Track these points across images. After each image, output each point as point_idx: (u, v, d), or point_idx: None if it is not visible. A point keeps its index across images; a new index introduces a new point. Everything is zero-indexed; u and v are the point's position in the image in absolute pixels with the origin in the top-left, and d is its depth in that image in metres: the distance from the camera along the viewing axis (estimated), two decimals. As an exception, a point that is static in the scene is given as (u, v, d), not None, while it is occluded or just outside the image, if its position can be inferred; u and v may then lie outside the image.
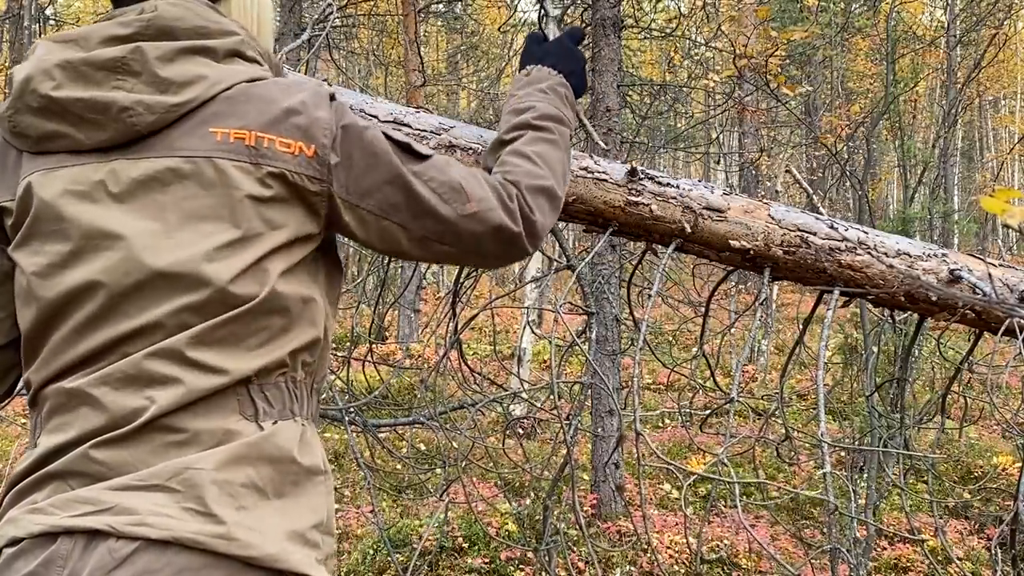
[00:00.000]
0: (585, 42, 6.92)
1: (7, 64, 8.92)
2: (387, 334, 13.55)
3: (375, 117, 1.73)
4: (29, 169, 1.03)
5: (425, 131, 1.73)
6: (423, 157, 1.13)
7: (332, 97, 1.08)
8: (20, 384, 1.14)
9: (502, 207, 1.15)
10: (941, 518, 6.09)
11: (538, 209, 1.19)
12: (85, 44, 1.03)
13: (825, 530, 5.58)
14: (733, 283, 11.72)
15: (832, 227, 1.68)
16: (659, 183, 1.69)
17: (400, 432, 7.50)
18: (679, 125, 11.86)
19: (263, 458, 0.99)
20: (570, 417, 1.86)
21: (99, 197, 1.01)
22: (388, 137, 1.12)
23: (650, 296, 1.84)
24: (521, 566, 5.36)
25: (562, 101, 1.35)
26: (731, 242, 1.66)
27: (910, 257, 1.66)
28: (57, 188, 1.01)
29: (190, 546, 0.92)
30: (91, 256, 1.00)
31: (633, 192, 1.68)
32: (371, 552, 5.42)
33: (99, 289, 0.99)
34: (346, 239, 1.19)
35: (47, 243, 1.02)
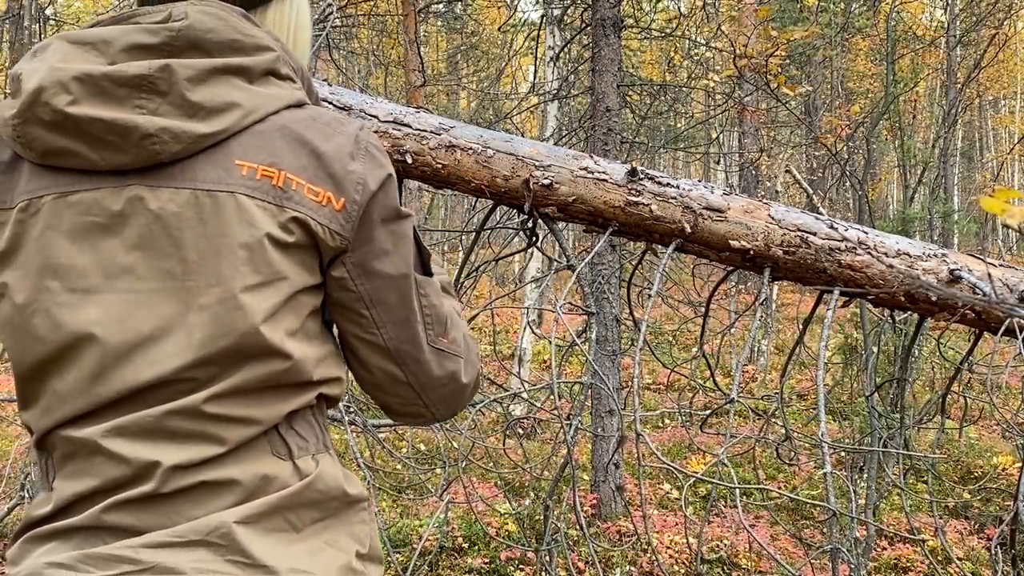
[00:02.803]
0: (585, 42, 6.92)
1: (7, 64, 8.91)
2: (387, 334, 13.52)
3: (375, 117, 1.73)
4: (36, 187, 0.93)
5: (425, 131, 1.74)
6: (429, 273, 1.06)
7: (370, 149, 0.98)
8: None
9: (466, 361, 1.10)
10: (941, 518, 6.09)
11: (472, 390, 1.14)
12: (106, 50, 0.92)
13: (825, 530, 5.58)
14: (733, 283, 11.72)
15: (832, 227, 1.68)
16: (659, 183, 1.69)
17: (400, 432, 7.50)
18: (679, 125, 11.85)
19: (307, 502, 0.95)
20: (570, 417, 1.86)
21: (117, 230, 0.91)
22: (415, 233, 1.04)
23: (650, 296, 1.85)
24: (521, 566, 5.36)
25: None
26: (731, 242, 1.67)
27: (910, 257, 1.66)
28: (72, 219, 0.92)
29: None
30: (106, 296, 0.91)
31: (633, 192, 1.68)
32: (371, 552, 5.42)
33: (113, 335, 0.91)
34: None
35: (53, 277, 0.92)
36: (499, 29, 10.55)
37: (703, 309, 2.01)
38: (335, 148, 0.95)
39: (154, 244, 0.91)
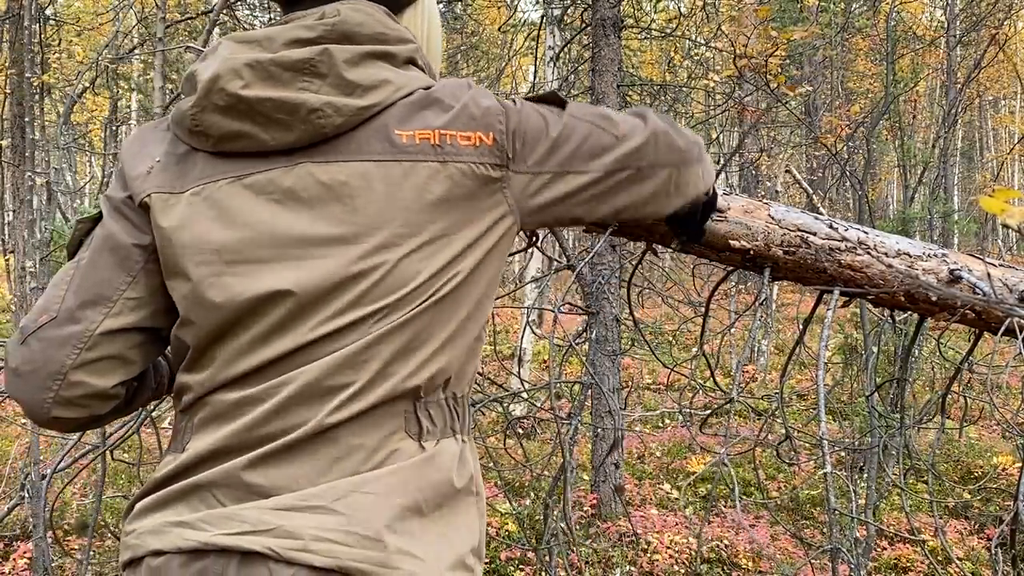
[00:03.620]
0: (585, 42, 6.91)
1: (7, 64, 8.90)
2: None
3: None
4: (211, 173, 1.01)
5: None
6: (565, 103, 1.13)
7: (484, 90, 1.09)
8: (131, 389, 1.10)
9: (643, 122, 1.15)
10: (941, 518, 6.09)
11: (671, 128, 1.19)
12: (269, 45, 1.02)
13: (825, 530, 5.58)
14: (733, 283, 11.72)
15: (832, 227, 1.68)
16: (659, 183, 1.69)
17: (400, 432, 7.46)
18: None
19: (426, 482, 0.98)
20: (570, 417, 1.86)
21: (290, 204, 0.99)
22: (534, 101, 1.12)
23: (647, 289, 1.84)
24: (521, 566, 5.36)
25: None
26: (731, 242, 1.67)
27: (910, 257, 1.66)
28: (247, 196, 1.00)
29: (354, 574, 0.90)
30: (280, 264, 0.98)
31: (633, 192, 1.68)
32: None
33: (288, 298, 0.97)
34: (539, 229, 1.21)
35: (228, 252, 0.99)
36: (499, 29, 10.54)
37: (703, 309, 2.00)
38: (469, 98, 1.04)
39: (325, 213, 0.99)
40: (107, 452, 2.26)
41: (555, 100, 1.12)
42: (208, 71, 1.00)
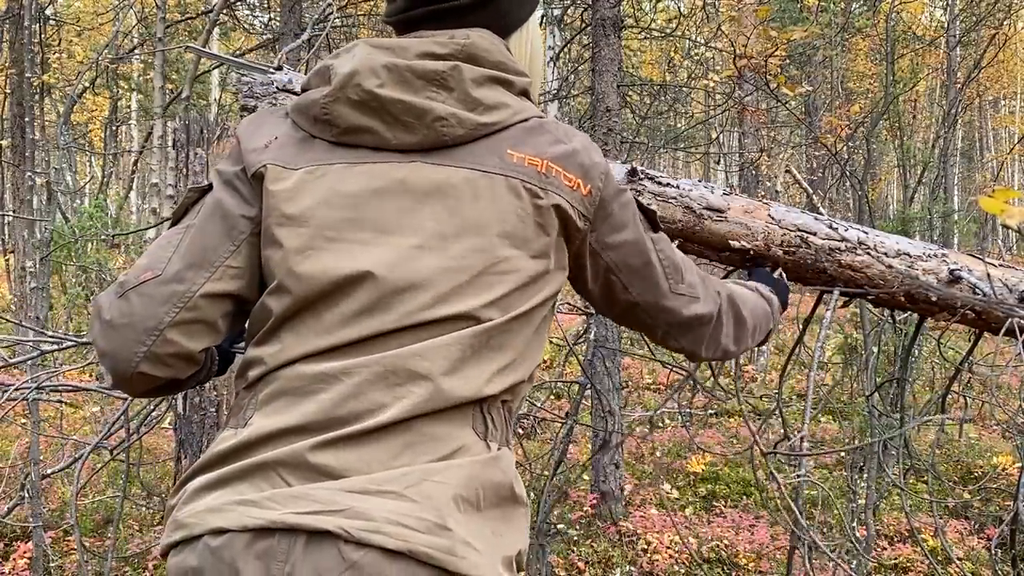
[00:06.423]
0: (585, 42, 6.91)
1: (7, 64, 8.90)
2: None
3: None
4: (326, 158, 1.07)
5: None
6: (657, 229, 1.23)
7: (597, 147, 1.17)
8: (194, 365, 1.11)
9: (705, 297, 1.27)
10: (941, 518, 6.09)
11: (732, 325, 1.32)
12: (403, 53, 1.08)
13: (825, 530, 5.58)
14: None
15: (832, 227, 1.68)
16: (659, 183, 1.69)
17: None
18: (679, 125, 11.83)
19: (490, 481, 1.00)
20: (567, 416, 1.86)
21: (398, 194, 1.05)
22: (636, 200, 1.21)
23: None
24: (521, 566, 5.35)
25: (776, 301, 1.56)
26: (731, 242, 1.67)
27: (910, 257, 1.66)
28: (360, 182, 1.05)
29: (422, 560, 0.91)
30: (377, 248, 1.03)
31: (633, 192, 1.68)
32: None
33: (379, 282, 1.02)
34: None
35: (331, 228, 1.04)
36: (499, 29, 10.50)
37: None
38: (581, 144, 1.13)
39: (430, 208, 1.05)
40: (108, 452, 2.26)
41: (652, 219, 1.23)
42: (346, 66, 1.07)
